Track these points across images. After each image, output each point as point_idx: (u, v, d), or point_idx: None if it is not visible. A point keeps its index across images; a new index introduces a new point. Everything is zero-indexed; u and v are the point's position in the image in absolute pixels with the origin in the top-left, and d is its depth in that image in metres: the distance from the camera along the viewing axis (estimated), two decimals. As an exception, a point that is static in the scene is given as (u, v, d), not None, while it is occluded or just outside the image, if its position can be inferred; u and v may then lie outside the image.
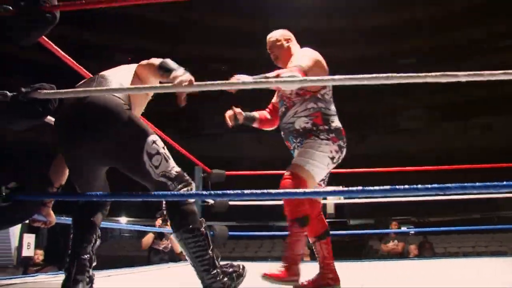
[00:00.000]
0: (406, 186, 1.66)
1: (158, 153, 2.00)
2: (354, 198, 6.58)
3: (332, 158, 2.75)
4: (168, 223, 5.77)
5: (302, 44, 2.95)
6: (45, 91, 1.91)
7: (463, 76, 1.63)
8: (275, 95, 3.12)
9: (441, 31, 20.57)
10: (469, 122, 20.91)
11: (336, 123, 2.84)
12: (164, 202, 5.71)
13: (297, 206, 2.54)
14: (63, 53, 2.64)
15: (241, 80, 2.34)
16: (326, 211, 19.23)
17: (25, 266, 9.44)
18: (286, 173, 2.60)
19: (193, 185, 2.08)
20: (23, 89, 1.89)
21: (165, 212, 5.69)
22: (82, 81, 2.24)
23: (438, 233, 14.70)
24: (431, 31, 20.69)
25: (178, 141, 4.41)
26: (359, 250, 15.36)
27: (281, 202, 2.59)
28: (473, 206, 15.01)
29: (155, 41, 19.83)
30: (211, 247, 2.05)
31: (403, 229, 14.70)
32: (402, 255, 8.39)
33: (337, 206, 19.14)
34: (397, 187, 1.67)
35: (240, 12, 20.29)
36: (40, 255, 7.69)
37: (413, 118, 21.53)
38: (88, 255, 2.14)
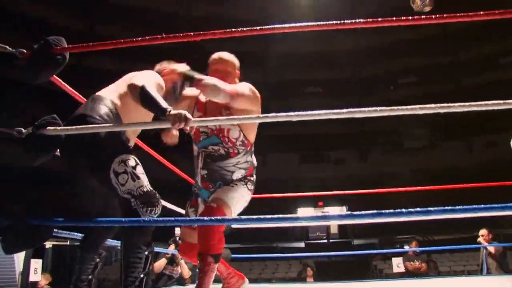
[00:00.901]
0: (391, 211, 1.68)
1: (125, 172, 2.07)
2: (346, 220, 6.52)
3: (242, 206, 2.81)
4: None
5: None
6: (52, 128, 2.01)
7: (458, 107, 1.65)
8: (182, 108, 2.84)
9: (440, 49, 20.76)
10: (473, 140, 20.97)
11: (255, 176, 2.94)
12: (176, 228, 5.84)
13: (219, 243, 2.59)
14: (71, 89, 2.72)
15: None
16: (330, 231, 19.29)
17: (31, 291, 9.47)
18: (213, 204, 2.60)
19: (158, 207, 2.13)
20: (22, 129, 2.00)
21: (177, 238, 5.82)
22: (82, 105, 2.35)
23: (443, 251, 14.58)
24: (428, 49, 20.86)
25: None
26: (363, 270, 15.25)
27: (283, 225, 2.59)
28: (477, 224, 14.92)
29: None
30: (144, 271, 2.14)
31: (406, 248, 14.62)
32: (426, 274, 8.28)
33: (341, 226, 19.15)
34: (383, 211, 1.70)
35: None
36: (43, 279, 7.66)
37: (416, 137, 21.55)
38: (88, 277, 2.31)
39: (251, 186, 2.84)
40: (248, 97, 2.71)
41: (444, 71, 20.95)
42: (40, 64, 2.01)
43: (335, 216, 2.43)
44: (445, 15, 1.71)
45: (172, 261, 6.06)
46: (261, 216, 1.79)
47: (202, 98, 2.88)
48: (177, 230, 5.88)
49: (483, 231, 7.66)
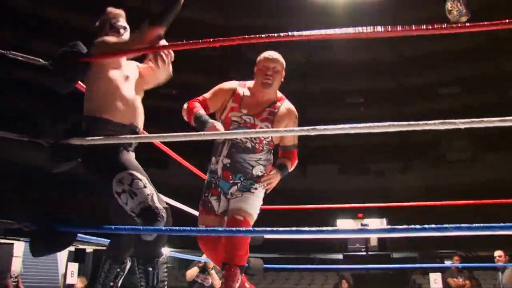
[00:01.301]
0: (433, 226, 1.62)
1: (123, 191, 2.07)
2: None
3: None
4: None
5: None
6: (77, 140, 2.09)
7: (461, 124, 1.63)
8: (219, 103, 2.98)
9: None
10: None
11: None
12: None
13: (246, 254, 2.72)
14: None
15: None
16: (370, 243, 19.00)
17: (68, 293, 9.81)
18: (239, 217, 2.69)
19: (159, 223, 2.07)
20: (52, 138, 2.11)
21: None
22: None
23: (486, 268, 14.11)
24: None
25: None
26: (402, 284, 14.94)
27: (322, 236, 2.60)
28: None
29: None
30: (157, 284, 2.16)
31: (448, 263, 14.17)
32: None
33: (380, 239, 18.84)
34: (425, 226, 1.64)
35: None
36: (80, 282, 7.88)
37: (458, 149, 21.01)
38: (110, 284, 2.43)
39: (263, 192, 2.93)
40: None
41: (488, 81, 20.39)
42: (69, 74, 2.14)
43: (375, 230, 2.39)
44: (486, 23, 1.66)
45: (204, 270, 6.16)
46: (300, 228, 1.78)
47: (240, 90, 2.95)
48: None
49: (499, 252, 7.25)
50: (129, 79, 2.40)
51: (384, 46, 20.38)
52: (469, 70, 20.43)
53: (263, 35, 1.79)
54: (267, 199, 2.92)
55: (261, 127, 2.81)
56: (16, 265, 11.39)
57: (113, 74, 2.32)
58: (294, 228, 1.79)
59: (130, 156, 2.26)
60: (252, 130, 2.74)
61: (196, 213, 4.40)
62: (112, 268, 2.44)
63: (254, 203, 2.78)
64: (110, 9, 2.49)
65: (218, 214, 2.84)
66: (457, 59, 20.23)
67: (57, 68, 2.09)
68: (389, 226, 1.83)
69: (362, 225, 19.18)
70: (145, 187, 2.10)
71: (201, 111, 2.78)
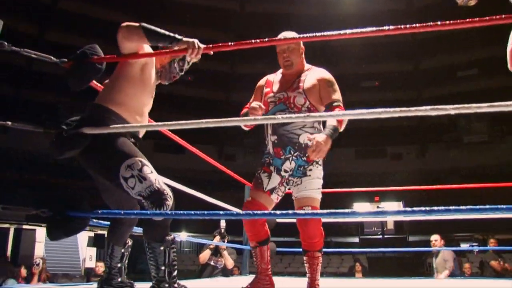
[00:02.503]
0: (447, 208, 1.61)
1: (132, 176, 2.14)
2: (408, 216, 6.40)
3: None
4: (225, 241, 5.84)
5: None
6: (88, 129, 2.16)
7: (451, 109, 1.62)
8: (260, 98, 3.07)
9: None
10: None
11: None
12: (221, 221, 6.02)
13: (321, 237, 2.83)
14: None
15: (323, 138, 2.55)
16: (386, 227, 19.02)
17: (88, 276, 10.08)
18: (307, 208, 2.76)
19: (166, 204, 2.15)
20: (64, 127, 2.18)
21: (223, 231, 6.02)
22: None
23: (506, 251, 14.03)
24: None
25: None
26: (416, 267, 14.95)
27: (336, 220, 2.61)
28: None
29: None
30: (167, 263, 2.22)
31: (465, 246, 14.12)
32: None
33: (397, 222, 18.83)
34: (437, 208, 1.63)
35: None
36: (100, 267, 8.07)
37: (475, 131, 20.78)
38: (117, 265, 2.53)
39: (321, 161, 2.92)
40: None
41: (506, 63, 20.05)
42: (81, 73, 2.19)
43: (391, 212, 2.38)
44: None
45: (216, 252, 6.25)
46: (318, 211, 1.81)
47: (271, 78, 3.07)
48: (222, 223, 6.05)
49: (435, 237, 7.13)
50: (153, 91, 2.50)
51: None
52: (486, 53, 20.13)
53: (283, 38, 1.82)
54: None
55: (294, 96, 2.85)
56: (39, 250, 11.67)
57: (149, 79, 2.42)
58: (312, 211, 1.81)
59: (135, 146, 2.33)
60: (272, 116, 2.72)
61: (209, 199, 4.50)
62: (116, 250, 2.53)
63: (314, 186, 2.83)
64: None
65: (266, 191, 2.86)
66: (474, 41, 19.94)
67: (71, 68, 2.16)
68: (404, 209, 1.82)
69: (378, 208, 19.18)
70: (152, 172, 2.19)
71: (245, 111, 2.97)
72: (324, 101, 2.86)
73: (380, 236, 18.68)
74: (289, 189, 2.94)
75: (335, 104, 2.81)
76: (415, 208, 1.70)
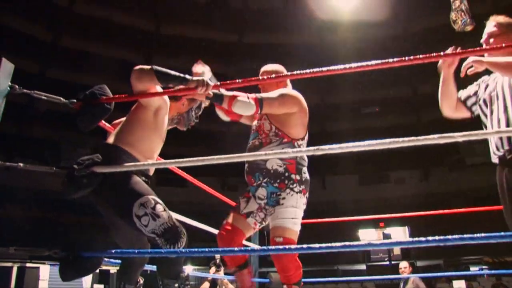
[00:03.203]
0: (458, 236, 1.58)
1: (145, 214, 2.15)
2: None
3: (302, 211, 2.83)
4: (221, 271, 5.85)
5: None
6: (100, 167, 2.17)
7: (459, 137, 1.63)
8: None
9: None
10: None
11: (307, 174, 2.88)
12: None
13: (297, 270, 2.71)
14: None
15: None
16: (393, 253, 18.81)
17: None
18: (278, 239, 2.67)
19: (181, 241, 2.17)
20: (76, 166, 2.15)
21: (217, 261, 6.01)
22: None
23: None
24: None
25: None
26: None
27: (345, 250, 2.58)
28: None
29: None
30: None
31: (475, 270, 13.92)
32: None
33: (403, 248, 18.62)
34: (449, 237, 1.60)
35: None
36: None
37: (477, 153, 20.74)
38: None
39: (299, 187, 2.80)
40: (277, 100, 2.77)
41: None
42: (91, 114, 2.23)
43: (398, 242, 2.29)
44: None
45: (215, 283, 6.26)
46: (324, 245, 1.78)
47: None
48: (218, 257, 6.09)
49: (404, 264, 7.15)
50: (164, 136, 2.56)
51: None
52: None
53: (288, 73, 1.84)
54: None
55: (262, 123, 2.87)
56: (43, 288, 11.54)
57: (161, 124, 2.47)
58: (318, 245, 1.79)
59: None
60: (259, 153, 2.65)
61: (213, 230, 4.47)
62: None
63: (287, 215, 2.72)
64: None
65: (242, 214, 2.84)
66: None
67: (81, 108, 2.19)
68: (412, 239, 1.77)
69: (384, 234, 19.02)
70: (164, 210, 2.21)
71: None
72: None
73: (387, 263, 18.46)
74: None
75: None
76: (429, 238, 1.65)
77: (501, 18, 2.52)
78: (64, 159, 19.45)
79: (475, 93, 2.62)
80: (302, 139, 2.90)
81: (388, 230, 18.94)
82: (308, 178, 2.88)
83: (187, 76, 2.24)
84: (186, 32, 21.36)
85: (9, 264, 11.80)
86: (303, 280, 2.85)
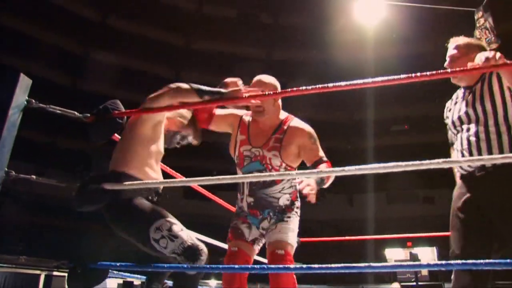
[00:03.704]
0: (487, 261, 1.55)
1: (163, 237, 2.18)
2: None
3: None
4: None
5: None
6: (109, 185, 2.20)
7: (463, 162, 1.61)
8: (225, 118, 2.89)
9: None
10: None
11: (299, 199, 2.88)
12: None
13: (294, 286, 2.62)
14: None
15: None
16: (420, 273, 18.43)
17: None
18: (280, 251, 2.62)
19: (201, 258, 2.19)
20: (87, 181, 2.23)
21: None
22: None
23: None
24: None
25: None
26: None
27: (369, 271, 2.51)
28: None
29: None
30: None
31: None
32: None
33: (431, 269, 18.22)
34: (477, 262, 1.57)
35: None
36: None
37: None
38: None
39: (299, 211, 2.85)
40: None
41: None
42: (103, 127, 2.29)
43: (425, 265, 2.21)
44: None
45: None
46: (346, 265, 1.77)
47: (246, 119, 2.89)
48: None
49: (396, 285, 6.99)
50: (163, 148, 2.55)
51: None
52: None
53: (319, 86, 1.83)
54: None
55: (269, 158, 2.72)
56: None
57: (159, 138, 2.48)
58: (341, 265, 1.77)
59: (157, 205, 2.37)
60: (268, 174, 2.65)
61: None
62: None
63: (290, 232, 2.70)
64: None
65: (249, 242, 2.75)
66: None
67: (93, 122, 2.25)
68: (440, 262, 1.74)
69: (411, 254, 18.67)
70: (182, 230, 2.24)
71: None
72: (310, 160, 2.73)
73: (414, 283, 18.09)
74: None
75: (324, 159, 2.71)
76: (468, 261, 1.62)
77: (460, 40, 2.58)
78: (95, 171, 19.82)
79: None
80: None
81: (415, 250, 18.58)
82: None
83: (222, 90, 2.29)
84: (216, 47, 21.56)
85: (37, 272, 12.00)
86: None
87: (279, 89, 2.83)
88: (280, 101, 2.84)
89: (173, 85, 2.33)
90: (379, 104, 21.48)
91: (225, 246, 4.21)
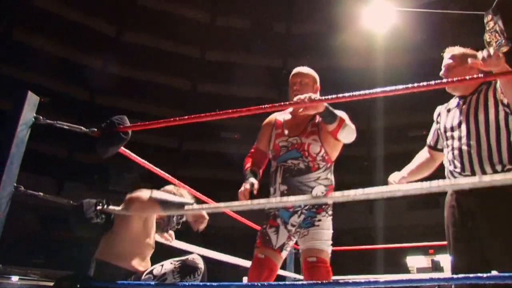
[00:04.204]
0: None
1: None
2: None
3: None
4: None
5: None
6: (111, 207, 2.37)
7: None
8: (268, 139, 2.91)
9: None
10: None
11: None
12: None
13: None
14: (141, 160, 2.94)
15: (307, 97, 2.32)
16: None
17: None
18: (312, 258, 2.57)
19: (200, 266, 2.35)
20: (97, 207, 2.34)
21: None
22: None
23: None
24: None
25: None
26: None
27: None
28: None
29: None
30: None
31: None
32: None
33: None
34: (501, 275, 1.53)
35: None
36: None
37: None
38: None
39: (331, 211, 2.75)
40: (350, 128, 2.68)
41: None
42: (108, 141, 2.30)
43: (446, 278, 2.10)
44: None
45: None
46: (377, 279, 1.74)
47: (280, 118, 2.92)
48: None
49: None
50: (154, 239, 2.63)
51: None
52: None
53: (333, 96, 1.84)
54: (334, 239, 2.80)
55: (308, 144, 2.70)
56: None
57: (151, 230, 2.55)
58: (372, 279, 1.75)
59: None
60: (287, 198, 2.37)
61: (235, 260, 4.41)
62: None
63: (322, 237, 2.62)
64: None
65: (276, 249, 2.68)
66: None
67: (100, 136, 2.28)
68: (462, 275, 1.70)
69: (433, 261, 18.43)
70: (162, 265, 2.37)
71: (248, 168, 2.84)
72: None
73: (438, 291, 17.83)
74: (295, 242, 2.79)
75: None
76: (487, 274, 1.57)
77: (456, 50, 2.60)
78: (112, 183, 20.03)
79: (437, 130, 2.72)
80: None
81: (438, 257, 18.33)
82: None
83: (185, 200, 2.40)
84: (231, 58, 21.67)
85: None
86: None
87: (317, 80, 2.91)
88: (318, 93, 2.88)
89: (143, 196, 2.41)
90: (394, 110, 21.38)
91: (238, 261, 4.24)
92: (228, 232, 18.96)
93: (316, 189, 2.67)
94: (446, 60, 2.61)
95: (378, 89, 1.89)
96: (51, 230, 17.14)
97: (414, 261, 18.35)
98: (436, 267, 15.88)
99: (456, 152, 2.43)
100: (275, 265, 2.68)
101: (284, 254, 2.73)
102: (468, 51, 2.59)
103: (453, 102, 2.61)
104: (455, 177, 2.43)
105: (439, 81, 1.86)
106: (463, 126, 2.43)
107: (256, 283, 1.92)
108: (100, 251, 2.42)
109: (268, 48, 21.63)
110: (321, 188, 2.69)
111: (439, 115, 2.69)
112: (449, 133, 2.51)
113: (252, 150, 2.98)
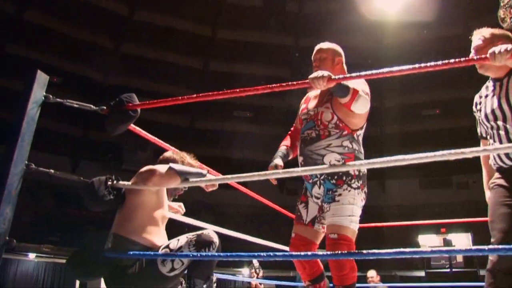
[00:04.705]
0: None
1: (173, 260, 2.39)
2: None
3: (362, 207, 2.68)
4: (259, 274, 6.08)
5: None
6: (121, 182, 2.43)
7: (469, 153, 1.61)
8: (299, 116, 2.94)
9: None
10: None
11: (364, 168, 2.71)
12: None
13: (352, 271, 2.51)
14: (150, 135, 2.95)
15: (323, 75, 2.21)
16: (455, 259, 18.17)
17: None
18: (333, 235, 2.53)
19: (214, 240, 2.42)
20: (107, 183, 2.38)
21: (256, 266, 6.21)
22: None
23: None
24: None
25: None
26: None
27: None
28: None
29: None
30: None
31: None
32: None
33: (466, 255, 17.95)
34: (482, 247, 1.55)
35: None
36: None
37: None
38: None
39: (357, 182, 2.65)
40: (365, 100, 2.61)
41: None
42: (117, 119, 2.32)
43: (458, 250, 2.14)
44: None
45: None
46: (382, 251, 1.77)
47: (310, 94, 2.98)
48: (255, 262, 6.23)
49: (371, 273, 6.83)
50: (167, 208, 2.69)
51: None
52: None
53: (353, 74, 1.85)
54: None
55: (321, 112, 2.70)
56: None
57: (163, 201, 2.60)
58: (376, 251, 1.77)
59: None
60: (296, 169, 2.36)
61: (257, 240, 4.52)
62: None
63: (344, 213, 2.54)
64: None
65: (307, 224, 2.72)
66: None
67: (108, 114, 2.30)
68: (475, 247, 1.73)
69: (445, 240, 18.42)
70: (178, 240, 2.42)
71: (280, 146, 2.95)
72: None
73: (448, 270, 17.85)
74: None
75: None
76: (491, 247, 1.60)
77: (485, 31, 2.52)
78: (126, 162, 20.18)
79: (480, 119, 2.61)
80: (362, 128, 2.78)
81: (450, 236, 18.32)
82: (366, 172, 2.73)
83: (203, 171, 2.38)
84: (242, 37, 21.52)
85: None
86: (359, 285, 2.65)
87: (341, 52, 2.93)
88: (341, 65, 2.90)
89: (161, 169, 2.41)
90: (410, 89, 21.19)
91: (248, 238, 4.32)
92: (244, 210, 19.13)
93: (327, 157, 2.63)
94: (476, 41, 2.54)
95: (395, 68, 1.89)
96: (66, 208, 17.37)
97: (426, 240, 18.33)
98: (448, 245, 15.90)
99: (504, 140, 2.37)
100: (307, 239, 2.71)
101: (318, 227, 2.74)
102: (496, 31, 2.53)
103: (489, 86, 2.53)
104: (503, 161, 2.40)
105: (457, 59, 1.83)
106: (506, 112, 2.34)
107: (262, 253, 1.96)
108: (116, 225, 2.46)
109: (281, 27, 21.44)
110: (334, 156, 2.63)
111: (477, 104, 2.62)
112: (492, 120, 2.43)
113: (292, 128, 3.05)
